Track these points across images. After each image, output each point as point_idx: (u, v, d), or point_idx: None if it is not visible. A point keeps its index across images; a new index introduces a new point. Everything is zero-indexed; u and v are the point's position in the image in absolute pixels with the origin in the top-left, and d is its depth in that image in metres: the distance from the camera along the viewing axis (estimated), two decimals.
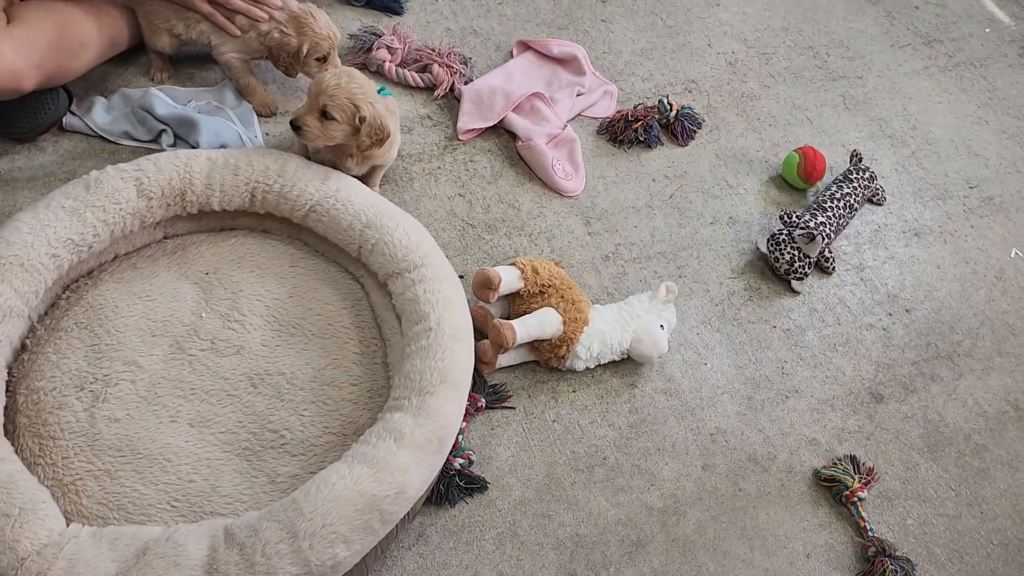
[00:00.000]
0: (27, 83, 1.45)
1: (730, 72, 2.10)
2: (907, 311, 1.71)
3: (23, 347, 1.29)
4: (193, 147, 1.60)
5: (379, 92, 1.46)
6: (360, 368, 1.35)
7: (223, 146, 1.61)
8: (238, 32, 1.62)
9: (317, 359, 1.34)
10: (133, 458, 1.19)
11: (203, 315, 1.35)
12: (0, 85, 1.41)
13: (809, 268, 1.68)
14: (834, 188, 1.78)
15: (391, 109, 1.50)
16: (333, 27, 1.63)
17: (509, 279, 1.45)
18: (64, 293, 1.36)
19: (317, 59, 1.63)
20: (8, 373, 1.26)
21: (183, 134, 1.62)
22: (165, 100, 1.65)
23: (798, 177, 1.83)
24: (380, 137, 1.43)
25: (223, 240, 1.46)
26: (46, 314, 1.34)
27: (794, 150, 1.85)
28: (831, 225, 1.71)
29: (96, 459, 1.19)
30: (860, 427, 1.52)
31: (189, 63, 1.80)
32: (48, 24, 1.50)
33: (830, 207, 1.73)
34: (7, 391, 1.24)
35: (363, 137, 1.42)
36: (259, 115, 1.73)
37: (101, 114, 1.64)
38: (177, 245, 1.44)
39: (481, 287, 1.43)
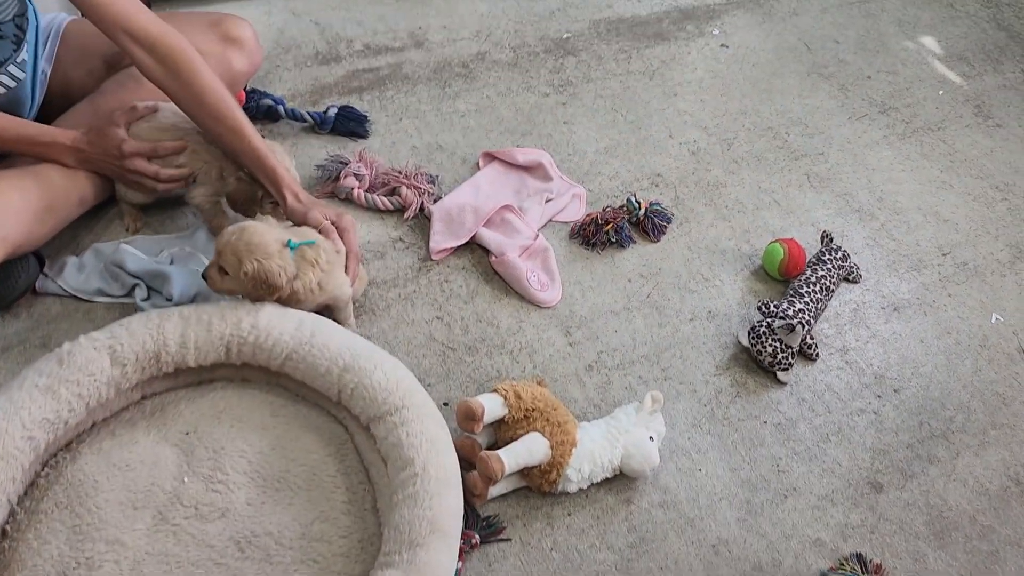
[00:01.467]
0: None
1: (694, 161, 2.13)
2: (896, 391, 1.70)
3: (3, 534, 1.26)
4: (167, 299, 1.60)
5: (289, 246, 1.43)
6: (349, 518, 1.32)
7: (197, 294, 1.61)
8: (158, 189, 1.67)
9: (304, 514, 1.31)
10: None
11: (185, 479, 1.33)
12: None
13: (793, 357, 1.68)
14: (809, 272, 1.79)
15: (309, 259, 1.45)
16: (291, 168, 1.64)
17: (492, 407, 1.43)
18: (43, 470, 1.33)
19: (272, 203, 1.63)
20: None
21: (156, 286, 1.62)
22: (136, 255, 1.65)
23: (778, 272, 1.83)
24: (267, 291, 1.42)
25: (201, 395, 1.44)
26: (25, 494, 1.31)
27: (778, 241, 1.84)
28: (809, 311, 1.71)
29: None
30: (863, 521, 1.49)
31: (161, 209, 1.81)
32: (12, 194, 1.50)
33: (807, 292, 1.74)
34: None
35: (250, 289, 1.42)
36: None
37: (73, 274, 1.64)
38: (155, 406, 1.43)
39: (465, 419, 1.42)
